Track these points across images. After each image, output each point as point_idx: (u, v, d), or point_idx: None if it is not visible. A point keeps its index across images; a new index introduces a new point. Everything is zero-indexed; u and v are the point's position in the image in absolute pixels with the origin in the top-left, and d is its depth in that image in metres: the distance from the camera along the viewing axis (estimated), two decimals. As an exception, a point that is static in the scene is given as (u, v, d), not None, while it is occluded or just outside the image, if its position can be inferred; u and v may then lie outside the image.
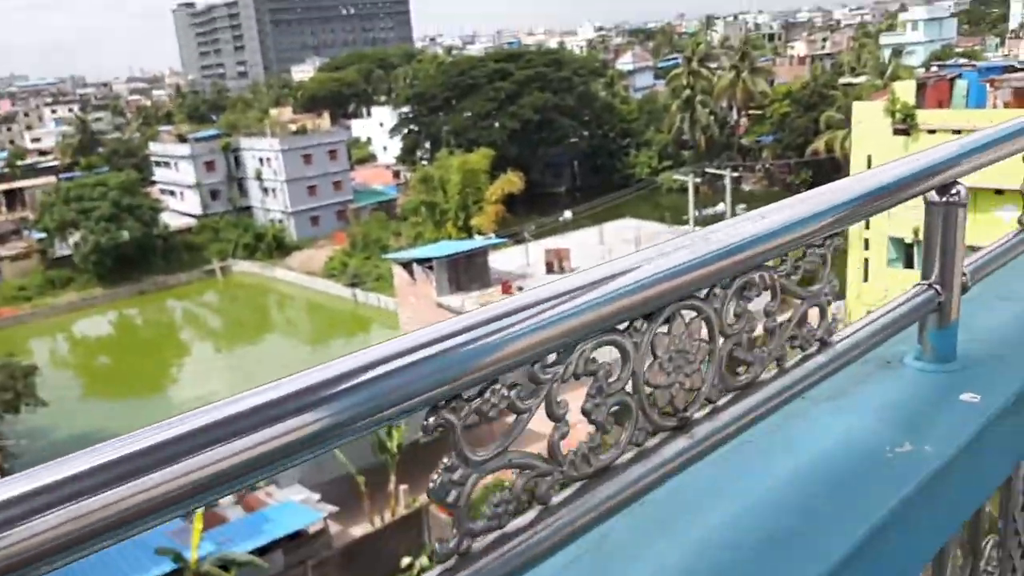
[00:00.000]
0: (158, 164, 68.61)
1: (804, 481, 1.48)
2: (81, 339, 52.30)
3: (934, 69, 38.50)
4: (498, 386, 1.01)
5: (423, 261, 36.04)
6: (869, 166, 34.85)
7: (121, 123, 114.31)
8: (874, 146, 35.10)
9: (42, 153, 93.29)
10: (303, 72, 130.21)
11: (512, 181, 51.91)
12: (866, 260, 35.98)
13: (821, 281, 1.52)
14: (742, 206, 69.51)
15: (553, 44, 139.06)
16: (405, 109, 70.43)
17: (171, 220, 61.08)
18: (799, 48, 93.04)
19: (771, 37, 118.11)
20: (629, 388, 1.20)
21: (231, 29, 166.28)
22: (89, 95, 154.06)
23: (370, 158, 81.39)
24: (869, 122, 34.80)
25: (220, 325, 55.35)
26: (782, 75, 76.43)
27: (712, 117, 66.17)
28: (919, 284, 1.83)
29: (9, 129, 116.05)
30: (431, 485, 0.98)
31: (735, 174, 67.25)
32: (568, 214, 45.33)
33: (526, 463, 1.07)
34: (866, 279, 36.28)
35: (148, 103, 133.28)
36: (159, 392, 43.53)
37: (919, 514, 1.50)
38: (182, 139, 67.72)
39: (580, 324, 1.08)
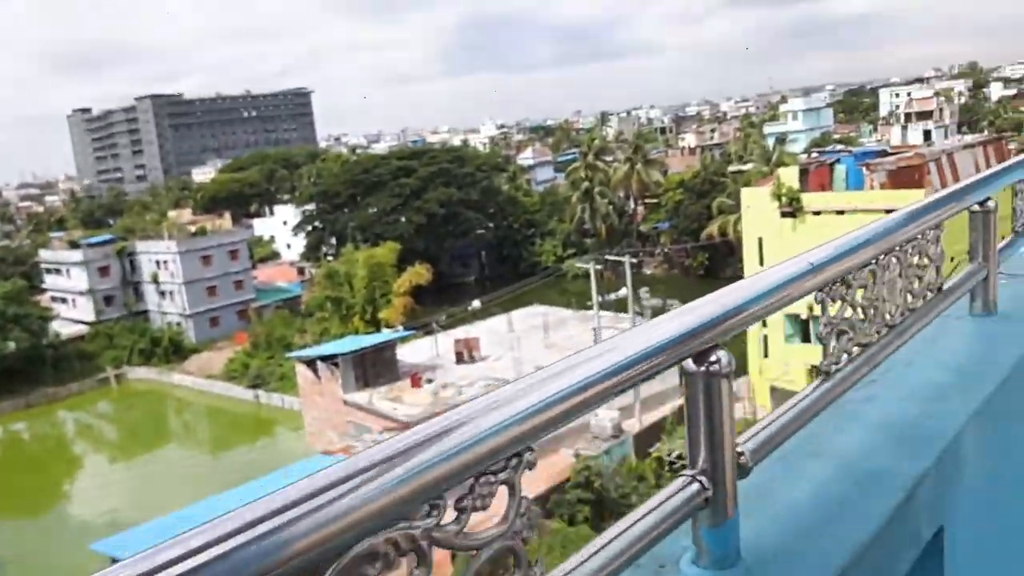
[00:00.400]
0: (48, 271, 65.88)
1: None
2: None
3: (815, 155, 40.93)
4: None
5: (328, 358, 35.23)
6: (760, 248, 36.07)
7: (10, 230, 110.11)
8: (764, 229, 36.65)
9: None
10: (204, 174, 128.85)
11: (420, 273, 51.93)
12: (764, 337, 37.03)
13: (508, 520, 1.19)
14: (645, 289, 71.64)
15: (457, 142, 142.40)
16: (309, 207, 70.16)
17: (63, 328, 58.30)
18: (689, 139, 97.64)
19: (663, 130, 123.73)
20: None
21: (129, 133, 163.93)
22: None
23: (273, 256, 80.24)
24: (757, 206, 36.41)
25: (115, 436, 52.48)
26: (674, 165, 79.83)
27: (611, 207, 68.22)
28: (684, 475, 1.54)
29: None
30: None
31: (635, 260, 69.34)
32: (476, 303, 45.42)
33: None
34: (766, 355, 37.28)
35: (40, 209, 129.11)
36: (49, 510, 40.62)
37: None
38: (74, 245, 65.38)
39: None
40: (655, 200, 68.62)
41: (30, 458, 48.71)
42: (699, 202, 61.36)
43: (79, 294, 61.91)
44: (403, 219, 65.28)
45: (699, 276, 62.57)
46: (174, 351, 57.14)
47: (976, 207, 2.71)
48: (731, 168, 62.11)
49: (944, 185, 37.22)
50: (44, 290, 65.86)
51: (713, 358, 1.50)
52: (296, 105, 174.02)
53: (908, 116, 71.46)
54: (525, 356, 35.11)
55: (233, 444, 46.19)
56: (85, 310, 61.50)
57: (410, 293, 52.70)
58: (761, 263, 37.29)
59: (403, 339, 39.69)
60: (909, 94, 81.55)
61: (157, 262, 61.08)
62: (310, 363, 36.39)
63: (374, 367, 34.99)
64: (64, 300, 63.79)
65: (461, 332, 40.11)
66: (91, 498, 40.73)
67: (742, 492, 1.58)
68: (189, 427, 52.15)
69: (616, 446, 32.32)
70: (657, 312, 64.90)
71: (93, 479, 43.83)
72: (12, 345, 50.90)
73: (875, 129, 79.73)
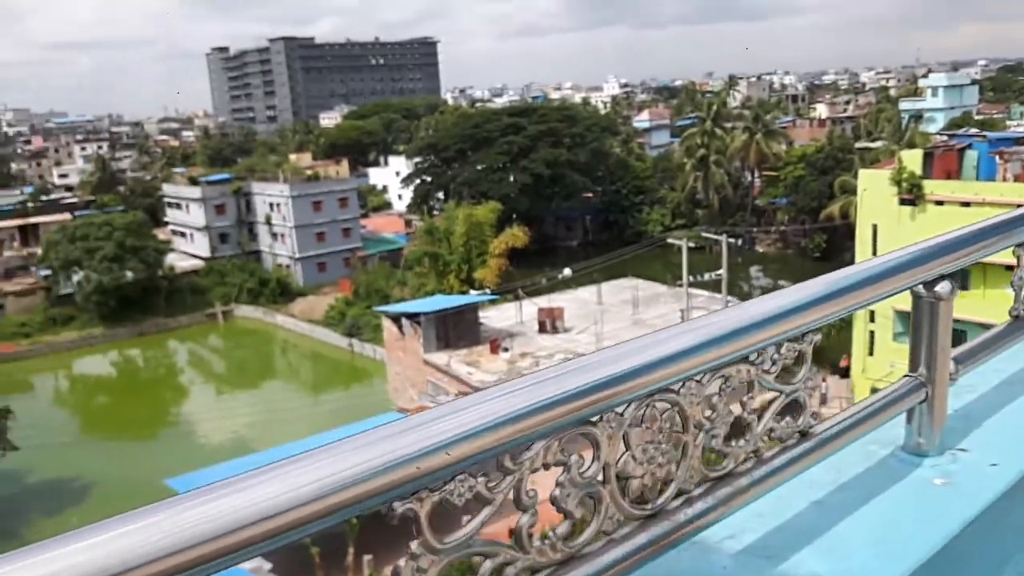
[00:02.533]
0: (170, 205, 69.01)
1: (781, 570, 1.47)
2: (78, 378, 51.96)
3: (943, 138, 37.63)
4: (464, 476, 1.03)
5: (412, 315, 35.26)
6: (875, 235, 33.61)
7: (147, 162, 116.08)
8: (880, 215, 34.07)
9: (68, 189, 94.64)
10: (331, 119, 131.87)
11: (516, 235, 51.32)
12: (871, 333, 34.73)
13: (801, 374, 1.54)
14: (756, 267, 68.83)
15: (578, 99, 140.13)
16: (419, 159, 70.43)
17: (180, 262, 61.11)
18: (820, 110, 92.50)
19: (794, 99, 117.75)
20: (600, 478, 1.22)
21: (262, 75, 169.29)
22: (121, 133, 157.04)
23: (385, 206, 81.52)
24: (875, 190, 33.82)
25: (221, 369, 54.88)
26: (802, 137, 75.76)
27: (726, 177, 65.48)
28: (907, 376, 1.85)
29: (39, 164, 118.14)
30: (396, 572, 1.01)
31: (747, 236, 66.60)
32: (567, 271, 44.47)
33: (492, 551, 1.09)
34: (871, 353, 34.98)
35: (176, 144, 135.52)
36: (151, 436, 42.78)
37: None
38: (193, 181, 68.08)
39: (552, 415, 1.11)
40: (774, 174, 65.43)
41: (141, 383, 51.51)
42: (821, 179, 58.02)
43: (196, 230, 64.62)
44: (509, 177, 64.68)
45: (815, 258, 59.43)
46: (281, 292, 58.93)
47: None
48: (858, 145, 58.33)
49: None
50: (167, 223, 69.16)
51: (939, 285, 1.81)
52: (422, 55, 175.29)
53: (1068, 98, 64.90)
54: (608, 331, 34.14)
55: (327, 388, 47.59)
56: (201, 246, 64.20)
57: (508, 255, 52.26)
58: (874, 253, 34.76)
59: (488, 302, 39.34)
60: (1071, 74, 73.93)
61: (271, 204, 62.88)
62: (395, 319, 36.58)
63: (456, 329, 34.81)
64: (183, 234, 66.81)
65: (548, 300, 39.41)
66: (192, 428, 42.77)
67: (952, 394, 1.92)
68: (289, 367, 53.93)
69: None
70: (767, 292, 62.10)
71: (197, 409, 45.99)
72: (129, 275, 53.58)
73: (1029, 110, 73.27)
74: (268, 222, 62.99)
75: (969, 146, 34.01)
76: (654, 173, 71.92)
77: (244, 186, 65.27)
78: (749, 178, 67.28)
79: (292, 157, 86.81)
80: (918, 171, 32.45)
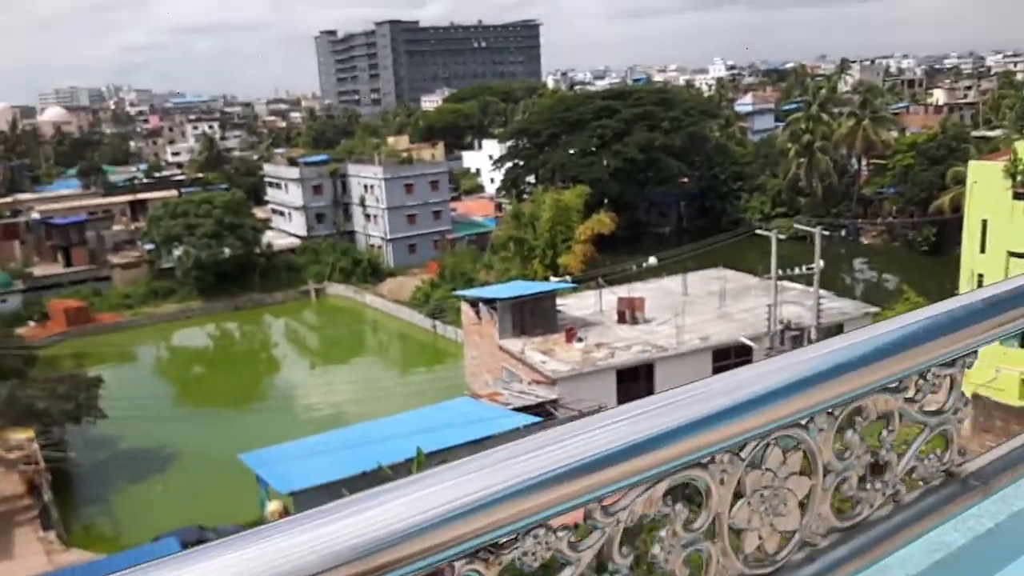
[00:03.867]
0: (270, 185, 70.94)
1: None
2: (176, 349, 54.13)
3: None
4: (541, 530, 0.88)
5: (489, 301, 34.98)
6: (984, 231, 31.39)
7: (254, 142, 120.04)
8: (991, 209, 31.73)
9: (178, 167, 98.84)
10: (432, 102, 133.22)
11: (603, 221, 50.39)
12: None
13: (949, 403, 1.33)
14: (861, 260, 65.62)
15: (682, 81, 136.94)
16: (511, 142, 70.09)
17: (277, 240, 62.78)
18: (938, 96, 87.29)
19: (911, 83, 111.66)
20: (709, 531, 1.06)
21: (368, 58, 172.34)
22: (232, 114, 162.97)
23: (478, 189, 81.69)
24: (986, 183, 31.51)
25: (313, 344, 56.28)
26: (916, 124, 71.74)
27: (832, 165, 62.55)
28: None
29: (154, 143, 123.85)
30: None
31: (856, 225, 63.53)
32: (652, 260, 43.16)
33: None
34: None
35: (283, 124, 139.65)
36: (243, 406, 44.11)
37: None
38: (292, 162, 69.73)
39: (655, 459, 0.95)
40: (882, 162, 62.13)
41: (236, 356, 53.29)
42: (932, 169, 54.73)
43: (294, 209, 66.23)
44: (601, 162, 63.56)
45: (923, 252, 56.19)
46: (372, 272, 59.80)
47: None
48: (975, 133, 54.66)
49: None
50: (267, 202, 71.17)
51: None
52: (524, 37, 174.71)
53: None
54: (691, 324, 33.00)
55: (409, 368, 48.07)
56: (298, 225, 65.78)
57: (595, 241, 51.36)
58: (982, 250, 32.44)
59: (567, 291, 38.69)
60: None
61: (365, 186, 63.81)
62: (473, 303, 36.39)
63: (532, 315, 34.30)
64: (282, 213, 68.61)
65: (629, 289, 38.42)
66: (282, 401, 43.89)
67: None
68: (375, 346, 54.80)
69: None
70: (870, 287, 59.19)
71: (287, 383, 47.25)
72: (227, 251, 55.34)
73: None
74: (362, 203, 63.97)
75: (1097, 136, 31.19)
76: (755, 159, 69.44)
77: (340, 168, 66.44)
78: (855, 166, 64.11)
79: (390, 140, 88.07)
80: (1036, 162, 30.00)
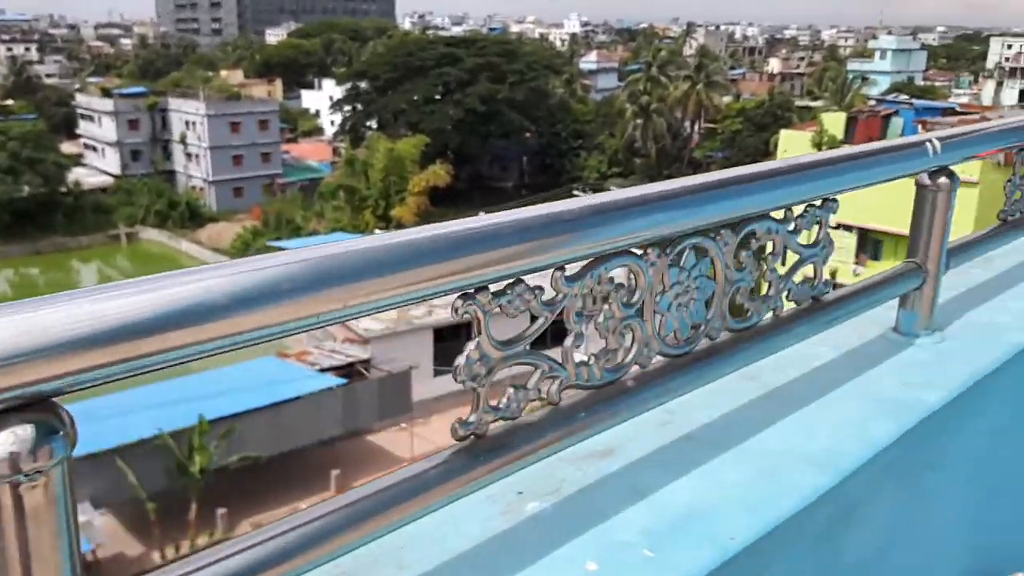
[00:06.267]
0: (82, 117, 64.97)
1: (782, 422, 1.62)
2: (-37, 295, 48.97)
3: (871, 103, 36.26)
4: (522, 287, 1.11)
5: (303, 253, 33.05)
6: (791, 199, 32.84)
7: (76, 69, 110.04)
8: (799, 178, 32.73)
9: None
10: (277, 35, 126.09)
11: (438, 174, 49.11)
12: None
13: (819, 239, 1.67)
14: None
15: (537, 34, 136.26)
16: (349, 85, 67.14)
17: (88, 178, 57.64)
18: (774, 64, 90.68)
19: (751, 51, 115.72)
20: (640, 311, 1.32)
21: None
22: (56, 36, 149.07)
23: (317, 131, 78.14)
24: (795, 151, 32.39)
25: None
26: (751, 91, 74.07)
27: (666, 127, 63.67)
28: (908, 261, 1.97)
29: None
30: (457, 366, 1.09)
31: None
32: (482, 215, 42.42)
33: (540, 362, 1.19)
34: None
35: (111, 51, 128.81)
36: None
37: (895, 469, 1.63)
38: (106, 93, 64.02)
39: (604, 241, 1.19)
40: (714, 126, 63.81)
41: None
42: (758, 135, 56.53)
43: (107, 145, 60.95)
44: (444, 111, 61.95)
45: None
46: (191, 216, 56.00)
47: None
48: (799, 103, 56.85)
49: (1008, 160, 32.37)
50: (79, 136, 65.22)
51: (942, 178, 1.92)
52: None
53: (1014, 72, 63.98)
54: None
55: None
56: (112, 162, 60.62)
57: (434, 193, 50.09)
58: (789, 217, 33.53)
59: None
60: (1021, 47, 73.07)
61: (187, 122, 59.41)
62: (287, 256, 34.35)
63: (350, 270, 32.74)
64: (94, 149, 63.08)
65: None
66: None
67: (947, 281, 2.06)
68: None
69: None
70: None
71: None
72: (25, 189, 50.22)
73: (975, 81, 72.28)
74: (183, 141, 59.59)
75: (896, 113, 32.68)
76: (595, 117, 69.72)
77: (160, 102, 61.54)
78: (688, 129, 65.56)
79: (223, 74, 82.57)
80: (840, 135, 31.07)
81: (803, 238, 1.62)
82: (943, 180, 1.89)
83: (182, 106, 60.00)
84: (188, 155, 59.74)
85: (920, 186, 1.91)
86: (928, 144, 1.83)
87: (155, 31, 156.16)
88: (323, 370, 28.22)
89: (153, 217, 55.31)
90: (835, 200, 1.61)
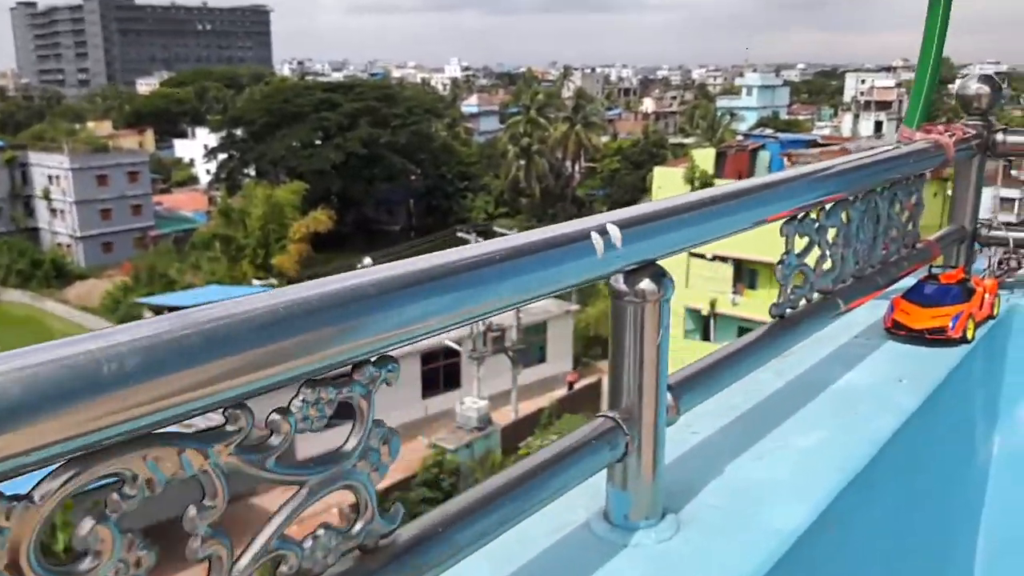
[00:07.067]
0: (-70, 173, 60.71)
1: None
2: None
3: (740, 138, 37.80)
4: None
5: (175, 310, 31.51)
6: (669, 232, 33.22)
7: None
8: (676, 212, 33.55)
9: None
10: (149, 85, 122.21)
11: (319, 219, 48.13)
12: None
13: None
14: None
15: (419, 79, 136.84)
16: (223, 133, 65.42)
17: (-62, 238, 53.73)
18: (648, 104, 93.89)
19: (627, 92, 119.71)
20: None
21: (74, 34, 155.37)
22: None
23: (192, 181, 75.65)
24: (669, 188, 33.23)
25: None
26: (627, 130, 76.26)
27: (548, 167, 64.68)
28: (603, 415, 1.28)
29: None
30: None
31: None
32: (368, 260, 41.83)
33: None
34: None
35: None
36: None
37: None
38: (-43, 147, 60.23)
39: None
40: (594, 165, 65.27)
41: None
42: (635, 172, 58.10)
43: (-40, 202, 57.17)
44: (324, 156, 61.03)
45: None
46: (56, 275, 52.84)
47: None
48: (672, 140, 58.84)
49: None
50: (-74, 194, 60.85)
51: (644, 280, 1.24)
52: (254, 23, 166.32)
53: (868, 104, 68.40)
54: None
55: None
56: (-34, 221, 56.83)
57: (317, 239, 49.03)
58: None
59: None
60: (872, 81, 78.40)
61: (49, 176, 56.38)
62: (158, 313, 32.70)
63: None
64: (-54, 207, 58.98)
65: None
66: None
67: (670, 439, 1.36)
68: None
69: (481, 439, 29.34)
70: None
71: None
72: None
73: (836, 114, 76.74)
74: (46, 196, 56.45)
75: (763, 147, 34.05)
76: (479, 159, 70.20)
77: (19, 156, 58.24)
78: (569, 169, 66.80)
79: (90, 125, 79.11)
80: (710, 170, 32.06)
81: None
82: (646, 285, 1.23)
83: (44, 160, 56.96)
84: (52, 211, 56.61)
85: (613, 294, 1.25)
86: (595, 237, 1.14)
87: (16, 82, 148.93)
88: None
89: (14, 277, 51.90)
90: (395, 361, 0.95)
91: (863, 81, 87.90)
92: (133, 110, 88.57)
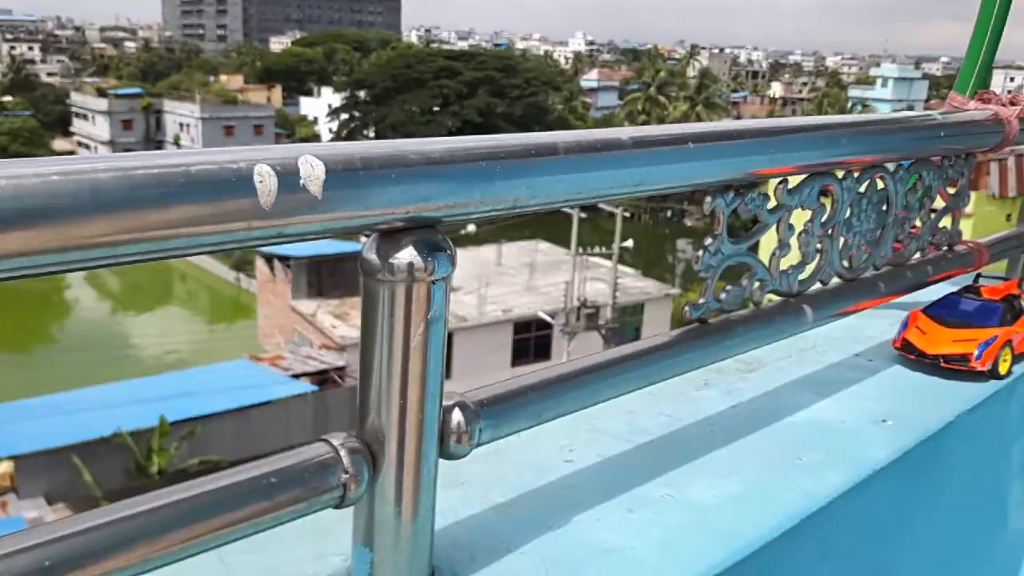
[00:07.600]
0: (77, 116, 64.79)
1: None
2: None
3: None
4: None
5: (285, 257, 32.64)
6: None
7: (78, 69, 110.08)
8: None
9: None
10: (282, 43, 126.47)
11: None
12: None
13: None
14: (685, 240, 67.43)
15: (543, 52, 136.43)
16: (346, 94, 66.99)
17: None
18: (775, 89, 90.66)
19: (755, 75, 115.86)
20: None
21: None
22: (61, 37, 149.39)
23: (314, 138, 77.94)
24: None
25: (115, 289, 52.42)
26: (751, 113, 73.94)
27: (664, 146, 63.46)
28: (334, 438, 0.89)
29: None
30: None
31: (682, 207, 64.98)
32: (472, 227, 42.06)
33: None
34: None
35: (114, 53, 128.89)
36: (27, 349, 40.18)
37: None
38: (102, 93, 63.84)
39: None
40: (711, 148, 63.61)
41: (26, 293, 48.75)
42: (754, 158, 56.31)
43: (101, 144, 60.70)
44: (442, 123, 61.76)
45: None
46: (182, 218, 55.64)
47: None
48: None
49: (1003, 190, 31.98)
50: (72, 134, 65.00)
51: (401, 252, 0.84)
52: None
53: (1012, 104, 63.35)
54: (496, 294, 32.04)
55: (208, 322, 45.66)
56: (105, 161, 60.36)
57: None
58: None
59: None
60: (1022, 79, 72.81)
61: (181, 124, 59.21)
62: (268, 259, 33.93)
63: (332, 276, 32.31)
64: (88, 147, 62.80)
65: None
66: (56, 350, 40.26)
67: (445, 475, 0.94)
68: (181, 296, 51.49)
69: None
70: (691, 267, 60.89)
71: (69, 331, 43.41)
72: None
73: (977, 111, 71.91)
74: (176, 142, 59.33)
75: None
76: (593, 134, 69.54)
77: (155, 103, 61.35)
78: (686, 150, 65.33)
79: (223, 78, 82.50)
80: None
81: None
82: (405, 255, 0.84)
83: (177, 108, 59.83)
84: (182, 157, 59.50)
85: (363, 270, 0.87)
86: (264, 171, 0.74)
87: (160, 35, 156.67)
88: (296, 376, 27.67)
89: (143, 218, 54.95)
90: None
91: (1012, 79, 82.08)
92: (265, 66, 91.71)
